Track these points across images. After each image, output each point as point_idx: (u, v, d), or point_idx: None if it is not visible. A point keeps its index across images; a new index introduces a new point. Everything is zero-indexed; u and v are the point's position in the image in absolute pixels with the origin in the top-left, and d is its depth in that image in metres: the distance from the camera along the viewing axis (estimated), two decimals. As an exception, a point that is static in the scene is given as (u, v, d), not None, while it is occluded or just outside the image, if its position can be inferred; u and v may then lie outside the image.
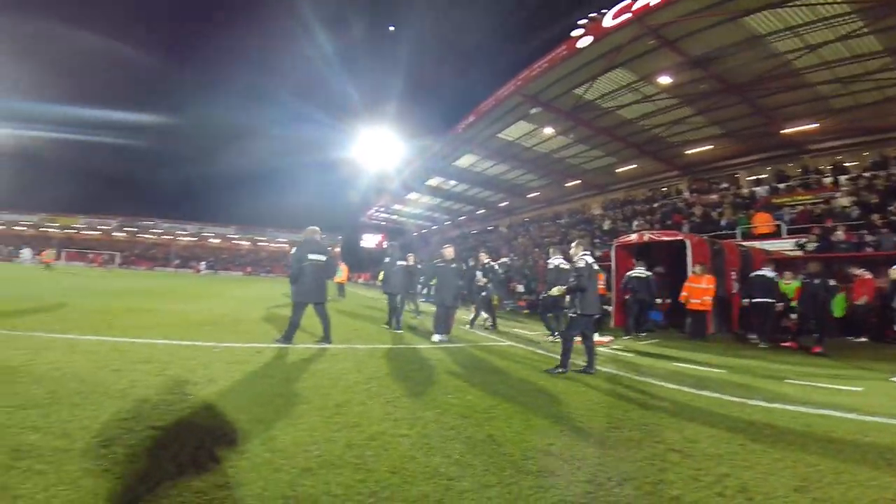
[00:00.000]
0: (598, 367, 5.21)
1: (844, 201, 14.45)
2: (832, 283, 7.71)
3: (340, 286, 16.50)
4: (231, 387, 3.41)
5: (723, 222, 16.53)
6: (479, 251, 10.44)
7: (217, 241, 66.88)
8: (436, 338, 6.99)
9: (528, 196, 30.51)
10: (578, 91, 16.27)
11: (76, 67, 54.48)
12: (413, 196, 35.35)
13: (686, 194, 22.34)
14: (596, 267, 5.25)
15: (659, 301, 10.07)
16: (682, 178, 23.45)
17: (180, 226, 65.68)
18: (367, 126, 29.83)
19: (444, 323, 7.18)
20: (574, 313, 5.13)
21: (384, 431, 2.64)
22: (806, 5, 10.79)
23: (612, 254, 10.97)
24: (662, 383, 4.62)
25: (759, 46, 12.63)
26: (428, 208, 39.18)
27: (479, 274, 9.70)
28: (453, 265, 7.40)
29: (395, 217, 45.29)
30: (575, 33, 13.30)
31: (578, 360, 5.28)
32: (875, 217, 12.84)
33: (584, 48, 13.35)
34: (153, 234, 64.33)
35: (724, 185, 20.81)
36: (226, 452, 2.18)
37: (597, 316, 5.30)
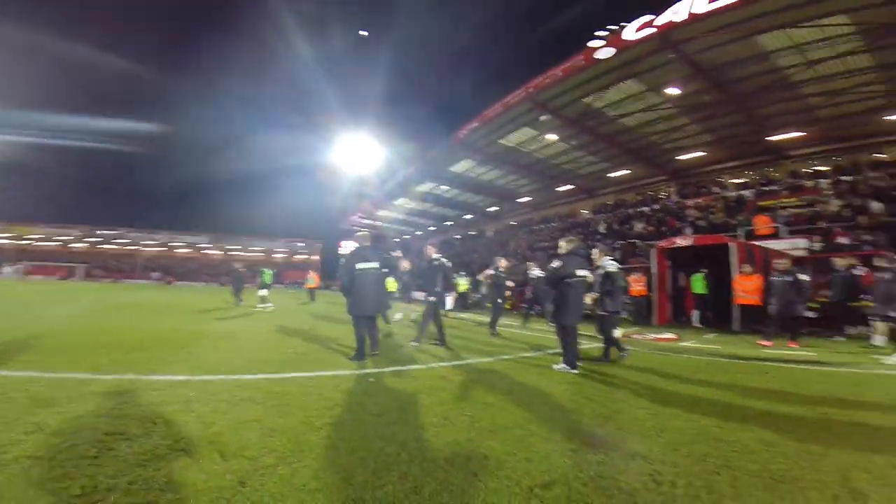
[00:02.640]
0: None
1: (834, 205, 15.68)
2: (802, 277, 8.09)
3: (311, 291, 19.05)
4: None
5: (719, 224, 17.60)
6: (498, 257, 10.43)
7: (186, 250, 63.52)
8: (413, 344, 6.62)
9: (519, 200, 30.99)
10: (587, 99, 16.79)
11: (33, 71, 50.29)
12: (399, 201, 35.06)
13: (674, 198, 23.53)
14: (619, 270, 5.83)
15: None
16: (669, 182, 24.63)
17: (148, 235, 61.93)
18: (350, 131, 29.43)
19: (424, 326, 6.81)
20: (605, 312, 5.70)
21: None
22: (816, 26, 11.72)
23: (653, 256, 11.34)
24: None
25: (765, 61, 13.54)
26: (413, 213, 38.95)
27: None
28: (436, 263, 7.07)
29: (378, 223, 44.69)
30: (593, 44, 13.76)
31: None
32: (863, 218, 14.10)
33: (604, 59, 13.83)
34: (118, 244, 60.27)
35: (715, 189, 22.04)
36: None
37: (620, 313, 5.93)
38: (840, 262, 9.63)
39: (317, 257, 66.23)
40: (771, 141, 18.66)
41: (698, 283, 11.28)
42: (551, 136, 20.35)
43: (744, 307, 9.43)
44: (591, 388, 4.21)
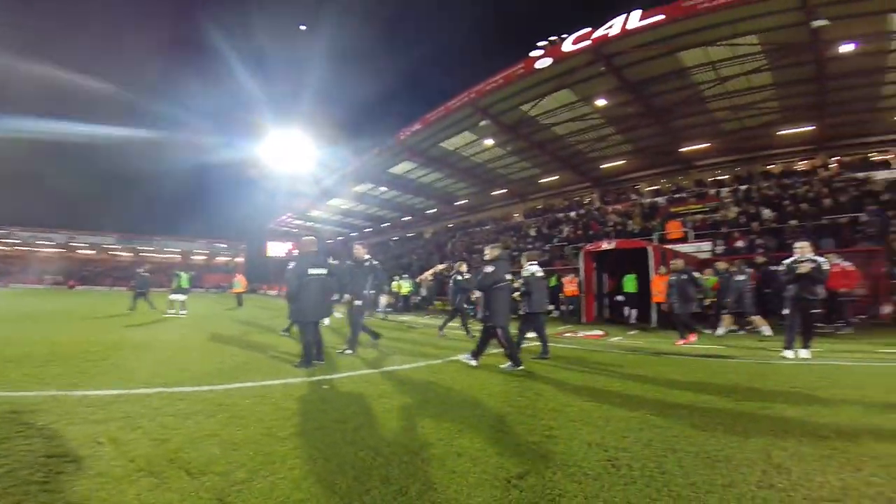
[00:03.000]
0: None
1: (733, 211, 17.83)
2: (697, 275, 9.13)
3: (239, 296, 18.68)
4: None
5: (636, 229, 19.28)
6: (459, 262, 10.53)
7: (90, 252, 56.40)
8: (348, 352, 6.23)
9: (456, 203, 31.52)
10: (525, 107, 17.60)
11: None
12: (334, 202, 34.09)
13: (598, 204, 25.35)
14: (540, 274, 6.17)
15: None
16: (593, 189, 26.48)
17: (43, 234, 54.00)
18: (282, 128, 27.98)
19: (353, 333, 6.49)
20: (524, 312, 6.09)
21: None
22: (729, 45, 13.28)
23: (581, 259, 12.12)
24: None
25: (684, 77, 15.12)
26: (349, 214, 38.06)
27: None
28: (366, 265, 6.75)
29: (309, 224, 43.01)
30: (534, 53, 14.45)
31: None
32: (755, 224, 16.20)
33: (542, 68, 14.59)
34: (5, 244, 51.98)
35: (633, 196, 24.05)
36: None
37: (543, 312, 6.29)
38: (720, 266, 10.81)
39: (241, 259, 62.07)
40: (682, 151, 20.83)
41: (630, 283, 12.25)
42: (489, 141, 21.00)
43: (659, 305, 10.43)
44: (539, 385, 4.44)
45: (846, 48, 12.60)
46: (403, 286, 18.74)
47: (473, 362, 5.43)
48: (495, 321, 5.32)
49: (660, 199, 22.40)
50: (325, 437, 2.71)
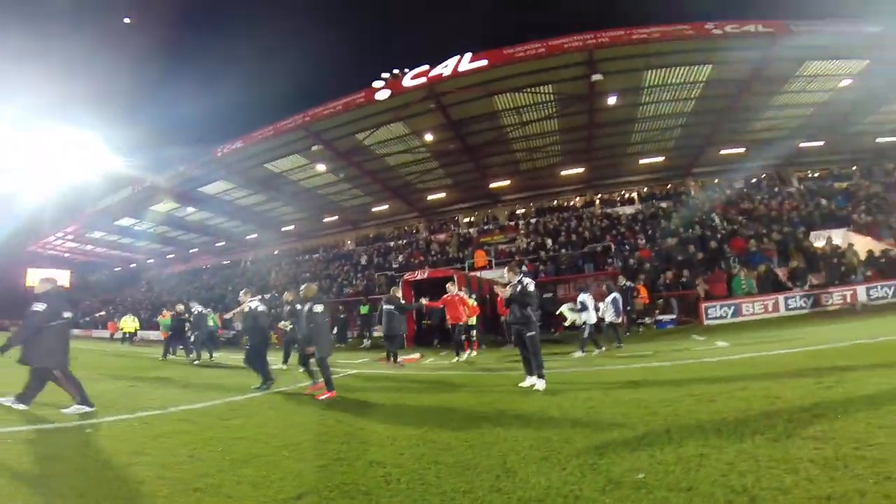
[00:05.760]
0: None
1: (524, 241, 21.85)
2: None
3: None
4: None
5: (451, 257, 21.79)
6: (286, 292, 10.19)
7: None
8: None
9: (283, 229, 29.73)
10: (360, 136, 18.15)
11: None
12: (125, 221, 28.06)
13: (424, 233, 27.57)
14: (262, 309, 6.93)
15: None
16: (420, 218, 28.66)
17: None
18: (60, 125, 21.75)
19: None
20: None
21: None
22: (531, 92, 16.02)
23: (401, 287, 12.87)
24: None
25: (494, 119, 17.64)
26: (143, 237, 31.74)
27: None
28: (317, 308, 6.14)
29: (89, 248, 34.15)
30: (376, 84, 15.21)
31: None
32: (542, 253, 20.18)
33: (382, 100, 15.44)
34: None
35: (452, 226, 27.06)
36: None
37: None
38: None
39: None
40: (491, 187, 24.48)
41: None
42: (320, 167, 20.89)
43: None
44: (341, 413, 4.67)
45: (612, 100, 15.86)
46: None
47: (328, 395, 5.51)
48: (320, 353, 5.76)
49: (472, 230, 25.77)
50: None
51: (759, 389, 4.18)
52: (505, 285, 6.00)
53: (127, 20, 26.61)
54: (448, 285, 9.58)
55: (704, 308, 12.92)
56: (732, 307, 12.79)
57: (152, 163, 21.49)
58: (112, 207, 25.24)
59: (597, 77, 14.51)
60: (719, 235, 17.01)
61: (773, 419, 3.17)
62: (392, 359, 9.25)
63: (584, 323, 8.78)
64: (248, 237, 31.24)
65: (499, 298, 11.55)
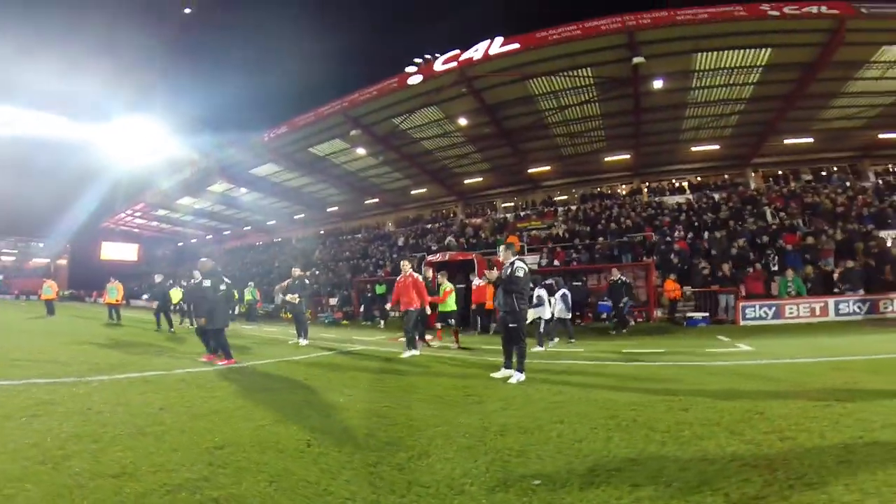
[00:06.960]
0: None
1: (561, 228, 21.29)
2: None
3: (49, 303, 15.91)
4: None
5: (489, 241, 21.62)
6: (293, 267, 10.63)
7: None
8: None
9: (328, 210, 31.02)
10: (396, 120, 18.53)
11: None
12: (186, 201, 30.56)
13: (461, 217, 27.67)
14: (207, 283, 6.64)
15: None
16: (457, 202, 28.82)
17: None
18: (129, 114, 24.12)
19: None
20: None
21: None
22: (569, 76, 15.51)
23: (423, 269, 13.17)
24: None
25: (530, 103, 17.26)
26: (202, 215, 34.37)
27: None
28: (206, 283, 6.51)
29: (155, 224, 37.58)
30: (409, 69, 15.42)
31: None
32: (577, 241, 19.59)
33: (414, 84, 15.63)
34: None
35: (489, 210, 26.91)
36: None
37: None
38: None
39: (63, 262, 49.77)
40: (530, 172, 24.01)
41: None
42: (360, 151, 21.48)
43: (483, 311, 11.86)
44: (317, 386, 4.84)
45: (658, 83, 15.04)
46: (246, 294, 17.94)
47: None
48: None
49: (509, 216, 25.45)
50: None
51: (728, 408, 3.57)
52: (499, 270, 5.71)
53: (187, 10, 28.24)
54: (402, 263, 8.39)
55: (742, 308, 12.10)
56: (773, 308, 11.85)
57: (207, 147, 23.11)
58: (173, 187, 27.49)
59: (638, 59, 13.62)
60: (772, 229, 15.68)
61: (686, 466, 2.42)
62: (419, 340, 8.97)
63: (540, 318, 8.60)
64: (295, 217, 32.85)
65: (475, 286, 11.60)
